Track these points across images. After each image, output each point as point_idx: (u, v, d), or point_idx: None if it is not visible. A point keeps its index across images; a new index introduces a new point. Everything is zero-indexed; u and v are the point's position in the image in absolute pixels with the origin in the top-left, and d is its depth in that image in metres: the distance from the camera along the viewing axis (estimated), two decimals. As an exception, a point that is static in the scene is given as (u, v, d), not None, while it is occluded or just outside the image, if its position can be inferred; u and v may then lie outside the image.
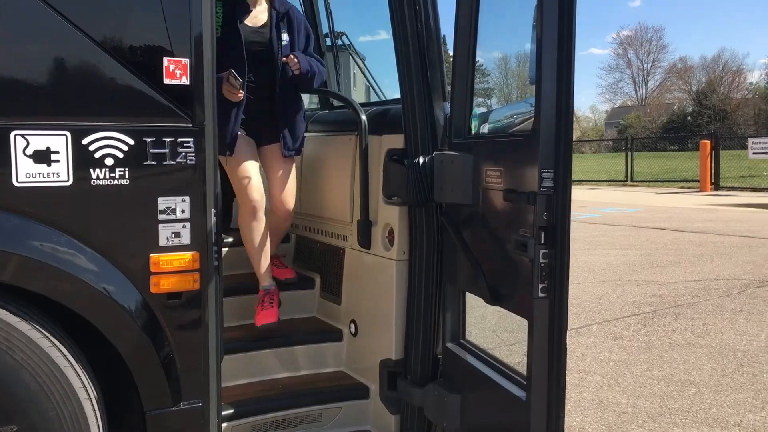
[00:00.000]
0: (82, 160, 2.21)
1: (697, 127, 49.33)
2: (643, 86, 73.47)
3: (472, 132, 2.86)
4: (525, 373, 2.37)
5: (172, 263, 2.37)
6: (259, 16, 3.48)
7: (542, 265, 2.24)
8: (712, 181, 20.94)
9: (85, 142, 2.21)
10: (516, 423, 2.40)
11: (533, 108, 2.34)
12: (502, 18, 3.02)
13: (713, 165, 21.04)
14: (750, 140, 22.44)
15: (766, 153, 21.06)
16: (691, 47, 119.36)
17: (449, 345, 2.93)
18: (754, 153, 21.31)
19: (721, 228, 12.19)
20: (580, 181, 25.42)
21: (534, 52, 2.34)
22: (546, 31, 2.24)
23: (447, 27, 3.08)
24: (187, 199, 2.39)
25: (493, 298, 2.56)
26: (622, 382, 4.70)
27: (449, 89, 2.94)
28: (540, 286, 2.26)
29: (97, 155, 2.23)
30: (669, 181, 24.01)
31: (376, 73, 4.66)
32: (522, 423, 2.35)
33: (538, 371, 2.30)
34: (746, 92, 60.03)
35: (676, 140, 43.30)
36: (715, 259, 9.11)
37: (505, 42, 3.25)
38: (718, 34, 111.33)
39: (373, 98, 4.50)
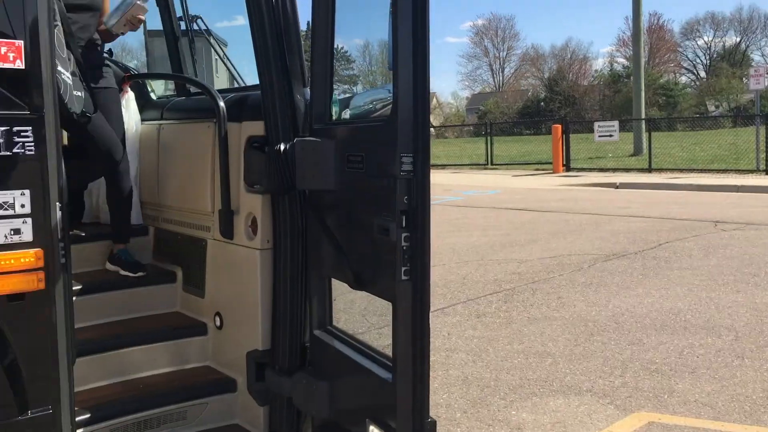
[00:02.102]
0: None
1: (549, 113, 52.30)
2: (500, 73, 76.84)
3: (333, 118, 2.85)
4: (391, 355, 2.41)
5: (12, 262, 2.19)
6: None
7: (404, 248, 2.27)
8: (564, 163, 22.29)
9: None
10: (384, 405, 2.43)
11: (391, 95, 2.36)
12: (359, 5, 3.03)
13: (564, 148, 22.39)
14: (596, 124, 24.13)
15: (609, 136, 22.74)
16: (541, 36, 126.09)
17: (317, 332, 2.92)
18: (599, 136, 22.95)
19: (572, 207, 13.02)
20: (443, 165, 26.24)
21: (391, 39, 2.36)
22: (401, 18, 2.26)
23: (305, 12, 3.04)
24: (27, 192, 2.21)
25: (358, 283, 2.57)
26: (485, 358, 4.91)
27: (309, 75, 2.91)
28: (403, 269, 2.29)
29: None
30: (525, 164, 25.30)
31: (237, 59, 4.53)
32: (389, 405, 2.39)
33: (403, 352, 2.34)
34: (592, 79, 64.35)
35: (531, 125, 45.74)
36: (568, 237, 9.71)
37: (363, 28, 3.27)
38: (566, 24, 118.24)
39: (235, 86, 4.38)
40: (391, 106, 2.41)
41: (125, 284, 3.47)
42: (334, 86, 2.96)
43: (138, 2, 3.45)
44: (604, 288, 6.77)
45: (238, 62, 4.46)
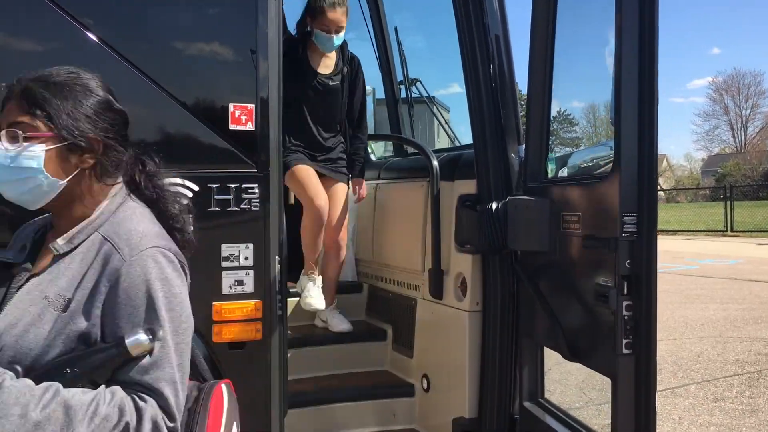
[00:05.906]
0: (147, 206, 2.20)
1: (802, 175, 46.55)
2: (742, 133, 70.29)
3: (549, 176, 2.71)
4: (610, 438, 2.16)
5: (235, 312, 2.32)
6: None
7: (626, 318, 2.05)
8: (822, 231, 19.53)
9: (150, 188, 2.20)
10: (600, 494, 2.17)
11: (613, 150, 2.18)
12: (578, 58, 2.89)
13: (822, 214, 19.66)
14: None
15: None
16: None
17: (527, 404, 2.73)
18: None
19: (833, 281, 11.26)
20: (675, 231, 24.34)
21: (614, 92, 2.19)
22: (625, 70, 2.10)
23: (520, 70, 2.97)
24: (251, 246, 2.34)
25: (573, 354, 2.36)
26: (725, 450, 4.28)
27: (524, 132, 2.81)
28: (624, 341, 2.06)
29: (162, 202, 2.22)
30: (773, 231, 22.57)
31: (456, 121, 4.60)
32: (607, 494, 2.12)
33: (624, 437, 2.08)
34: None
35: (779, 188, 40.96)
36: (829, 315, 8.36)
37: (583, 85, 3.11)
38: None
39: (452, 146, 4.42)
40: (611, 163, 2.22)
41: (337, 339, 3.54)
42: (555, 147, 2.83)
43: None
44: None
45: (461, 128, 4.51)
